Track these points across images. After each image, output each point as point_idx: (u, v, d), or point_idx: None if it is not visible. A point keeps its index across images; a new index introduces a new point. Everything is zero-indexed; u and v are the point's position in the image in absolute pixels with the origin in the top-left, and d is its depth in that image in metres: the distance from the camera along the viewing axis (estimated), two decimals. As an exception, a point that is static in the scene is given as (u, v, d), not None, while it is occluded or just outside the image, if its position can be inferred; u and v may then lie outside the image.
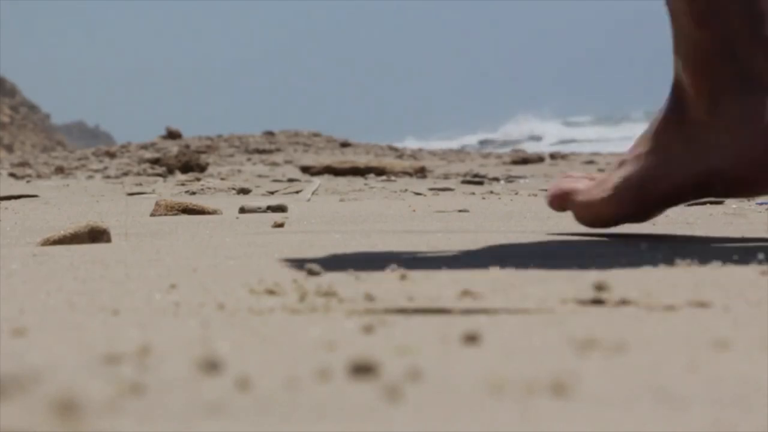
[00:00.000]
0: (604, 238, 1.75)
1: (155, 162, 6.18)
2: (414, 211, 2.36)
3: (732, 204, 2.73)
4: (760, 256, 1.44)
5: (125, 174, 5.88)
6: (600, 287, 1.15)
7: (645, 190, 1.42)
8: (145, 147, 9.14)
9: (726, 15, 1.25)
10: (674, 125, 1.37)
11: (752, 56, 1.26)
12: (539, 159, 8.96)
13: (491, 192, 3.51)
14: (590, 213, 1.54)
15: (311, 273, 1.31)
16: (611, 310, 1.06)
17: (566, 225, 2.10)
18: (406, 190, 3.66)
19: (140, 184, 4.54)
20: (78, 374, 0.77)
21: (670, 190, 1.38)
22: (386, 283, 1.23)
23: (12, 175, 5.99)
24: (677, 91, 1.37)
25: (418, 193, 3.43)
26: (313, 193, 3.34)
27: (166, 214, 2.44)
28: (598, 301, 1.10)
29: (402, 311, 1.05)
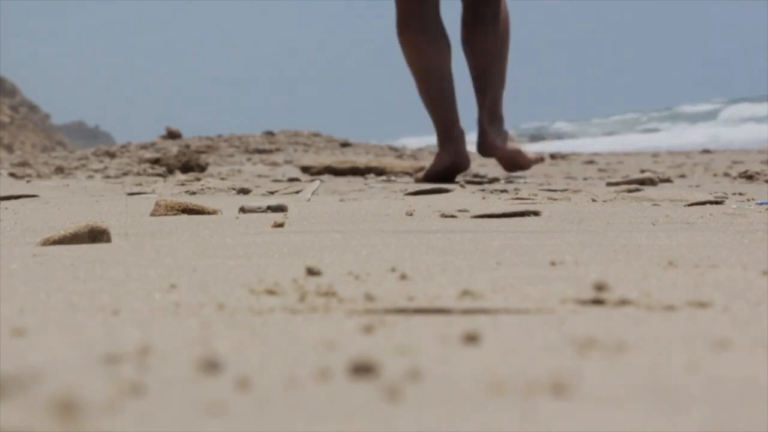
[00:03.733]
0: (602, 238, 1.75)
1: (155, 162, 6.17)
2: (411, 214, 2.37)
3: (732, 204, 2.73)
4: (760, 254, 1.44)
5: (125, 174, 5.88)
6: (600, 287, 1.15)
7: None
8: (145, 147, 9.13)
9: (435, 116, 4.98)
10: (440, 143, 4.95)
11: (450, 129, 4.90)
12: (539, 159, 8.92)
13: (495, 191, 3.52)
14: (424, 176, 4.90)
15: (311, 273, 1.31)
16: (611, 310, 1.06)
17: (566, 225, 2.10)
18: (406, 190, 3.67)
19: (140, 184, 4.54)
20: (78, 374, 0.77)
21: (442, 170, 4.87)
22: (386, 283, 1.24)
23: (12, 175, 5.99)
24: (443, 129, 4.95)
25: (417, 193, 3.43)
26: (313, 193, 3.34)
27: (166, 214, 2.44)
28: (598, 301, 1.10)
29: (402, 311, 1.05)
